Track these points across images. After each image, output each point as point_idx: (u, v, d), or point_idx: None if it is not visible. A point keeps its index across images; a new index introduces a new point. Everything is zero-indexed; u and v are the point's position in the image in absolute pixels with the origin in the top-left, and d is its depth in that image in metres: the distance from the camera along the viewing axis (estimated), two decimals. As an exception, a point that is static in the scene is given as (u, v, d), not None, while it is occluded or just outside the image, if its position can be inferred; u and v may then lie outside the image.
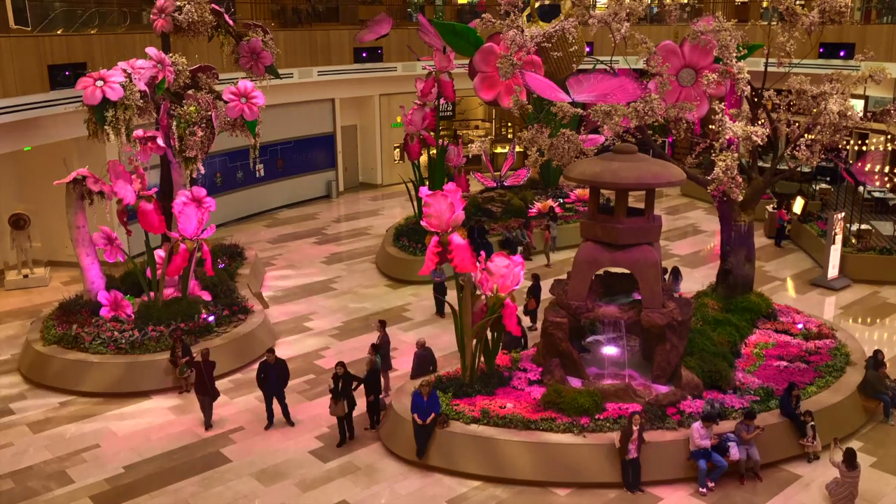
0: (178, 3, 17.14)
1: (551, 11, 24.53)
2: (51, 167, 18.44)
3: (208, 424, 14.10)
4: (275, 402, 14.17)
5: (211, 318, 16.54)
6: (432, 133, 23.60)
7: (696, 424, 12.35)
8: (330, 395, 13.46)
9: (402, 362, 16.33)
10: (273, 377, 13.95)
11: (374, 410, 14.01)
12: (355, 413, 13.76)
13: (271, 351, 14.25)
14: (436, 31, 22.19)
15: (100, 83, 14.95)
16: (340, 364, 13.54)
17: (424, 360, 14.76)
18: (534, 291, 17.80)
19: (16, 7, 19.33)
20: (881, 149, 26.02)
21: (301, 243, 25.05)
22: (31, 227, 20.51)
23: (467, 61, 23.04)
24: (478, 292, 13.97)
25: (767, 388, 13.67)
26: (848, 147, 26.75)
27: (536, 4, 24.50)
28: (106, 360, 15.43)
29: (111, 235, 16.64)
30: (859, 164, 18.64)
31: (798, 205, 24.60)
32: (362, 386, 13.90)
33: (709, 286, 17.50)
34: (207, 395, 14.13)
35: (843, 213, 20.93)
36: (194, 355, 14.85)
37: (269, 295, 20.32)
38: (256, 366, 14.43)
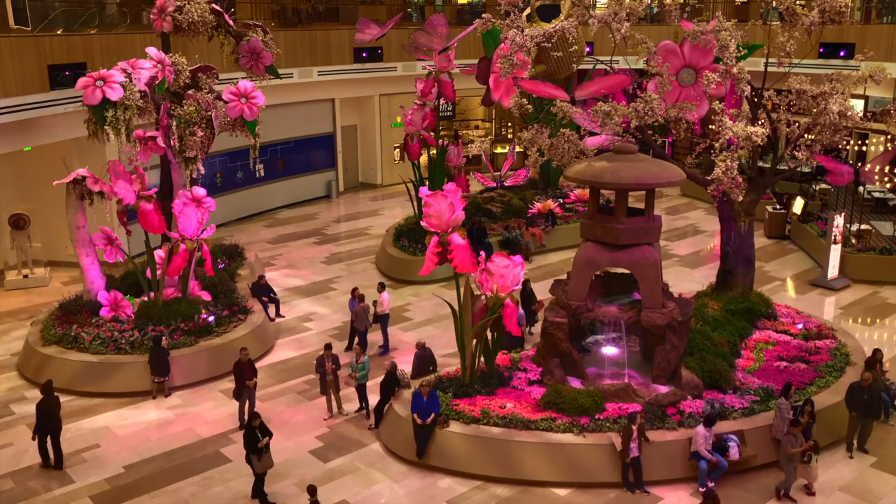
0: (178, 3, 17.14)
1: (551, 11, 24.49)
2: (51, 167, 18.43)
3: None
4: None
5: (211, 318, 16.53)
6: (432, 133, 23.60)
7: (701, 429, 12.23)
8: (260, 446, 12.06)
9: (402, 362, 16.35)
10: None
11: (381, 412, 14.00)
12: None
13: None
14: (445, 33, 21.97)
15: (100, 83, 14.96)
16: (256, 416, 12.34)
17: (424, 360, 14.78)
18: (527, 296, 17.27)
19: (16, 7, 19.34)
20: (885, 149, 26.04)
21: (301, 243, 25.04)
22: (31, 227, 20.51)
23: (465, 62, 23.09)
24: (478, 292, 13.98)
25: (767, 388, 13.66)
26: (848, 147, 26.78)
27: (536, 4, 24.49)
28: (106, 360, 15.44)
29: (111, 235, 16.65)
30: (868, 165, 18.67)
31: (798, 205, 24.61)
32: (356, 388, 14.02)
33: (709, 286, 17.49)
34: None
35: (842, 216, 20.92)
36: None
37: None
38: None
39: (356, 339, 16.64)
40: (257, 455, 11.97)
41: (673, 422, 12.78)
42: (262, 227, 26.98)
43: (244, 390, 14.07)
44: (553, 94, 14.93)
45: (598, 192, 14.40)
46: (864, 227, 22.02)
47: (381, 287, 17.46)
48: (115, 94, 14.98)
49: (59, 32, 20.10)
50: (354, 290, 17.19)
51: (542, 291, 18.71)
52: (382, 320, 17.10)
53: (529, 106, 18.42)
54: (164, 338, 15.48)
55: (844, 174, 18.75)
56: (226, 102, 16.70)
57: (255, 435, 11.97)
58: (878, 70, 14.65)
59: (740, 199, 14.92)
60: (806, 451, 11.93)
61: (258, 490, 12.12)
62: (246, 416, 14.13)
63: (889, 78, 16.17)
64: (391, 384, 13.88)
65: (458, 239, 13.44)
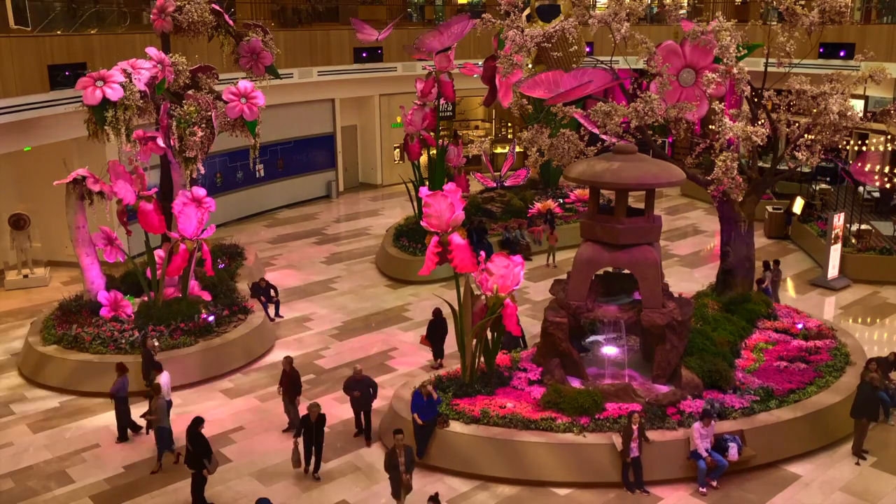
0: (178, 3, 17.14)
1: (551, 11, 24.51)
2: (51, 167, 18.44)
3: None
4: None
5: (211, 318, 16.53)
6: (432, 133, 23.60)
7: (697, 424, 12.33)
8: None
9: (402, 362, 16.39)
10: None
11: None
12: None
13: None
14: (458, 33, 21.92)
15: (100, 83, 14.96)
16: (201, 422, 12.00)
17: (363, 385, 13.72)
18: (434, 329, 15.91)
19: (16, 7, 19.34)
20: (880, 149, 26.03)
21: (301, 243, 25.05)
22: (31, 227, 20.52)
23: (465, 61, 23.08)
24: (478, 292, 13.98)
25: (767, 388, 13.66)
26: (848, 147, 26.78)
27: (536, 4, 24.51)
28: (106, 360, 15.42)
29: (111, 235, 16.65)
30: (858, 164, 18.64)
31: (798, 205, 24.60)
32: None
33: (709, 286, 17.50)
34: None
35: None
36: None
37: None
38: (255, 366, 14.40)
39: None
40: (209, 458, 11.89)
41: (673, 422, 12.78)
42: (262, 227, 26.98)
43: (294, 401, 13.88)
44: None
45: (598, 192, 14.40)
46: (864, 227, 22.02)
47: (159, 368, 13.82)
48: (115, 94, 14.97)
49: (59, 32, 20.10)
50: (120, 364, 13.92)
51: (542, 291, 18.72)
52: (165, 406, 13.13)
53: (529, 106, 18.41)
54: (149, 339, 15.14)
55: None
56: (226, 102, 16.69)
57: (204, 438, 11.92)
58: (878, 70, 14.66)
59: (740, 199, 14.93)
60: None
61: (201, 492, 11.93)
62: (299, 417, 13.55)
63: (889, 78, 16.17)
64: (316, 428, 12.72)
65: (458, 239, 13.44)
